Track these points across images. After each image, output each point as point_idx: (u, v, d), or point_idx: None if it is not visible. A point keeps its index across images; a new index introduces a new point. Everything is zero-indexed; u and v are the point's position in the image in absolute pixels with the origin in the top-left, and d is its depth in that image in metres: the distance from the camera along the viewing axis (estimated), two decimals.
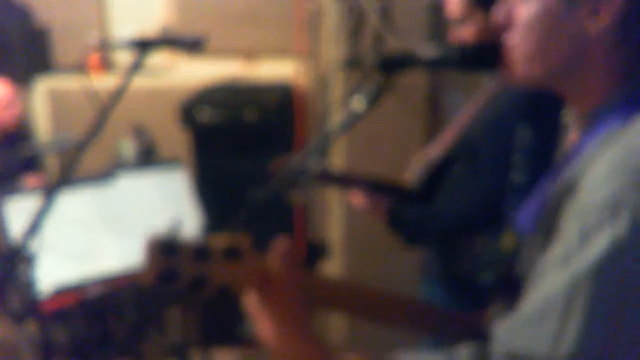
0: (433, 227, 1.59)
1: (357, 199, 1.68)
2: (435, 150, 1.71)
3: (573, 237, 0.67)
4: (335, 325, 2.65)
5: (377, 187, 1.70)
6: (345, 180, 1.79)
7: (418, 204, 1.68)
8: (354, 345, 2.56)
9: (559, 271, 0.67)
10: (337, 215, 2.58)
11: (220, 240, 0.75)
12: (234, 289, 0.78)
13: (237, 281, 0.77)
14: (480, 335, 0.91)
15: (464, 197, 1.57)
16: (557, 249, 0.69)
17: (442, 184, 1.69)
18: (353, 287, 0.94)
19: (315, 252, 2.74)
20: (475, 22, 1.50)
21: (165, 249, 0.70)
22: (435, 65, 1.11)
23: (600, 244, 0.64)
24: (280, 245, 0.81)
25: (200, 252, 0.73)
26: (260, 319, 0.82)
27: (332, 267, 2.63)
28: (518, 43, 0.81)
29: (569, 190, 0.72)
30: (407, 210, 1.63)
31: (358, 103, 1.13)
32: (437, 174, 1.70)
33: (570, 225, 0.69)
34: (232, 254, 0.75)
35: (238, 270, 0.76)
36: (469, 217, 1.52)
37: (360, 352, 0.84)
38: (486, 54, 1.02)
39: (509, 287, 0.92)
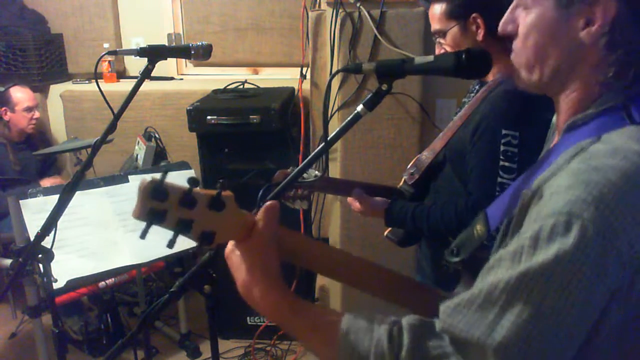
0: (427, 224, 1.61)
1: (355, 203, 1.74)
2: (428, 153, 1.75)
3: (526, 238, 0.70)
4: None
5: (373, 191, 1.76)
6: (343, 187, 1.84)
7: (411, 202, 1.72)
8: None
9: (508, 266, 0.71)
10: (336, 215, 2.62)
11: (207, 192, 0.80)
12: (217, 236, 0.82)
13: (220, 229, 0.82)
14: None
15: (456, 197, 1.59)
16: (511, 247, 0.73)
17: (432, 184, 1.75)
18: (326, 247, 1.00)
19: None
20: (451, 33, 1.58)
21: (154, 192, 0.75)
22: (430, 72, 1.15)
23: (548, 253, 0.68)
24: (270, 206, 0.88)
25: (186, 199, 0.77)
26: (235, 265, 0.89)
27: None
28: (519, 50, 0.86)
29: (535, 196, 0.76)
30: (402, 209, 1.67)
31: (358, 108, 1.15)
32: (428, 175, 1.75)
33: (527, 227, 0.73)
34: (216, 205, 0.80)
35: (221, 220, 0.81)
36: (465, 216, 1.53)
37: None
38: (479, 61, 1.04)
39: (475, 269, 1.00)
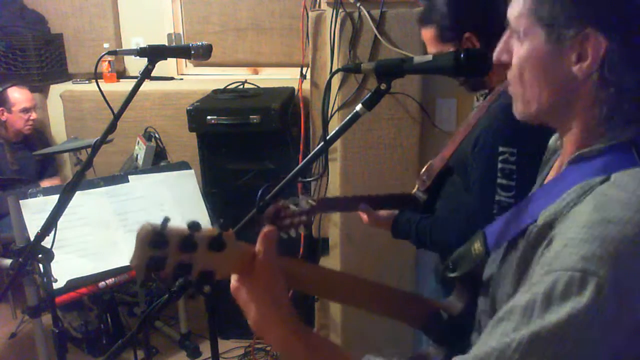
0: (430, 240, 1.62)
1: (364, 216, 1.73)
2: (438, 160, 1.75)
3: (538, 294, 0.69)
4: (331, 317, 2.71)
5: (382, 202, 1.75)
6: (347, 204, 1.82)
7: (421, 211, 1.73)
8: (347, 335, 2.61)
9: (519, 321, 0.70)
10: (336, 215, 2.59)
11: (206, 232, 0.78)
12: (218, 275, 0.80)
13: (221, 268, 0.80)
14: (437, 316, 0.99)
15: (457, 213, 1.59)
16: (522, 299, 0.71)
17: (442, 191, 1.74)
18: (325, 271, 1.00)
19: (315, 249, 2.79)
20: None
21: (154, 241, 0.73)
22: (429, 71, 1.15)
23: (561, 312, 0.66)
24: (267, 234, 0.85)
25: (187, 243, 0.75)
26: (243, 302, 0.85)
27: (331, 264, 2.65)
28: (515, 83, 0.85)
29: (543, 235, 0.75)
30: (407, 222, 1.67)
31: (357, 107, 1.15)
32: (439, 181, 1.74)
33: (538, 279, 0.71)
34: (216, 244, 0.78)
35: (221, 259, 0.79)
36: (464, 230, 1.51)
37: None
38: (477, 61, 1.04)
39: (469, 283, 1.01)
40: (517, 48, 0.83)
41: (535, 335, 0.67)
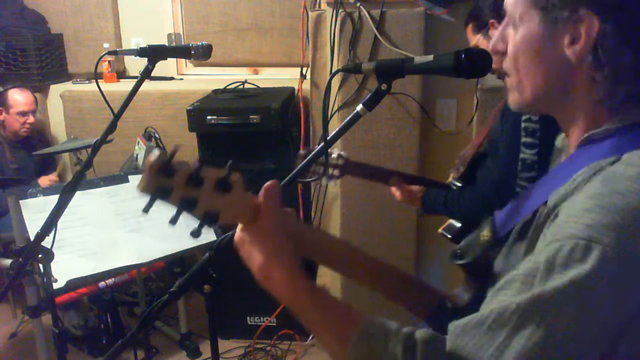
0: (458, 207, 1.72)
1: (397, 192, 1.84)
2: (470, 148, 1.86)
3: (541, 261, 0.68)
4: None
5: (411, 180, 1.86)
6: (377, 173, 1.90)
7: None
8: None
9: (520, 288, 0.69)
10: (336, 215, 2.62)
11: (214, 172, 0.79)
12: (220, 217, 0.80)
13: (224, 210, 0.80)
14: (441, 307, 0.99)
15: (485, 179, 1.70)
16: (526, 266, 0.71)
17: (477, 174, 1.83)
18: (334, 240, 1.00)
19: None
20: (480, 44, 1.70)
21: (162, 169, 0.74)
22: (430, 71, 1.16)
23: (563, 278, 0.65)
24: (270, 186, 0.86)
25: (193, 178, 0.76)
26: (247, 249, 0.86)
27: None
28: (510, 71, 0.84)
29: (550, 214, 0.75)
30: (437, 195, 1.78)
31: (358, 107, 1.16)
32: (472, 167, 1.84)
33: (541, 248, 0.71)
34: (222, 186, 0.79)
35: (226, 201, 0.80)
36: (487, 194, 1.63)
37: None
38: (478, 61, 1.04)
39: (478, 272, 0.99)
40: (513, 35, 0.83)
41: (536, 298, 0.67)
